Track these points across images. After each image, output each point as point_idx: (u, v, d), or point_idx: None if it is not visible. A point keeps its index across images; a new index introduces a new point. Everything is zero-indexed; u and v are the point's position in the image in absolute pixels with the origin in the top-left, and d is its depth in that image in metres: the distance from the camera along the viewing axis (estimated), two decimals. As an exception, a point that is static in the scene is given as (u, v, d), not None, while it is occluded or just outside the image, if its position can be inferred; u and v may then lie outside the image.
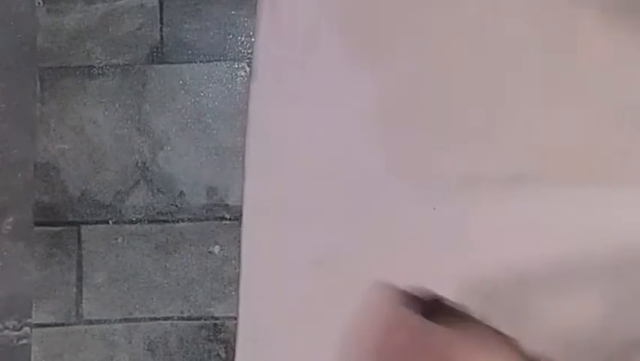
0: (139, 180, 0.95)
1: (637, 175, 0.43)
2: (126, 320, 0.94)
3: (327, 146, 0.48)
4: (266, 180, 0.49)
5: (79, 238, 0.95)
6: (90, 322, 0.94)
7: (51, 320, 0.94)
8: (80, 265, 0.95)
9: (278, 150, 0.48)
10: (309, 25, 0.48)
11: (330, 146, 0.47)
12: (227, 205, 0.94)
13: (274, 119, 0.47)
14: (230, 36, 0.96)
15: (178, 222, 0.94)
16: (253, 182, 0.47)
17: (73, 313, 0.94)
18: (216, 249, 0.94)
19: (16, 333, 0.94)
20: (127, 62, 0.96)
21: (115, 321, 0.94)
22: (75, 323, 0.94)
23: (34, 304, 0.94)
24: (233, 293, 0.91)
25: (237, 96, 0.95)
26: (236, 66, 0.95)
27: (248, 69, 0.94)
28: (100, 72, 0.96)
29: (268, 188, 0.48)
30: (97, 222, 0.95)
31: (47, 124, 0.96)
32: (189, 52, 0.96)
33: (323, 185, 0.47)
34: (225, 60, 0.96)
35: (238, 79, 0.95)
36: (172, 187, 0.95)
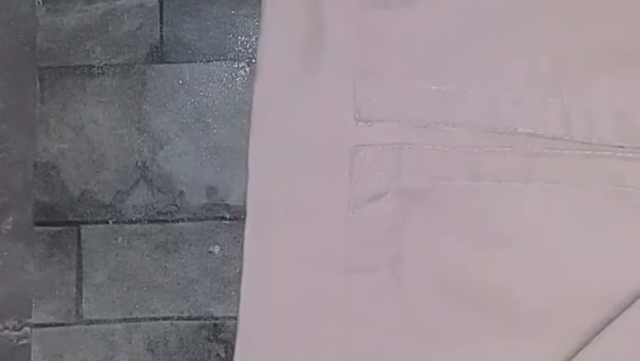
0: (139, 180, 0.95)
1: None
2: (126, 319, 0.94)
3: (329, 145, 0.48)
4: (269, 179, 0.49)
5: (79, 238, 0.95)
6: (90, 322, 0.94)
7: (51, 319, 0.94)
8: (79, 265, 0.94)
9: (281, 149, 0.48)
10: (314, 22, 0.48)
11: (333, 145, 0.47)
12: (227, 205, 0.93)
13: (277, 117, 0.47)
14: (230, 36, 0.96)
15: (178, 222, 0.94)
16: (256, 181, 0.47)
17: (73, 313, 0.94)
18: (216, 249, 0.93)
19: (16, 333, 0.93)
20: (127, 62, 0.96)
21: (115, 321, 0.94)
22: (75, 323, 0.94)
23: (34, 304, 0.94)
24: (233, 293, 0.91)
25: (237, 96, 0.95)
26: (236, 66, 0.95)
27: (248, 69, 0.94)
28: (100, 72, 0.96)
29: (271, 187, 0.48)
30: (97, 222, 0.95)
31: (47, 124, 0.96)
32: (189, 52, 0.96)
33: (326, 184, 0.47)
34: (225, 60, 0.96)
35: (238, 79, 0.95)
36: (172, 187, 0.95)
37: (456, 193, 0.47)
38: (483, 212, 0.47)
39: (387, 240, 0.49)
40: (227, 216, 0.93)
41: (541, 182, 0.49)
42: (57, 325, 0.94)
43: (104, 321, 0.94)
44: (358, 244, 0.51)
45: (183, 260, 0.95)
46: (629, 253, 0.52)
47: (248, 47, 0.94)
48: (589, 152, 0.48)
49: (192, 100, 0.96)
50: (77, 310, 0.94)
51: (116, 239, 0.95)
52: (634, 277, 0.52)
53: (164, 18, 0.96)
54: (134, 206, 0.95)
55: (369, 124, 0.46)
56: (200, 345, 0.93)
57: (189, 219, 0.95)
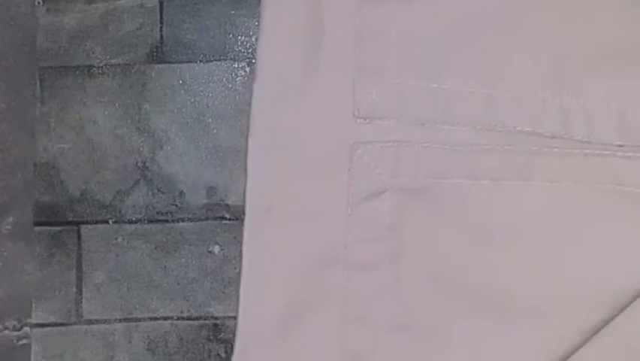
0: (139, 180, 0.95)
1: None
2: (126, 319, 0.94)
3: (328, 144, 0.47)
4: (268, 180, 0.48)
5: (79, 238, 0.95)
6: (90, 322, 0.94)
7: (51, 319, 0.94)
8: (79, 265, 0.95)
9: (280, 148, 0.47)
10: (313, 22, 0.48)
11: (332, 144, 0.47)
12: (227, 205, 0.93)
13: (276, 117, 0.47)
14: (230, 36, 0.96)
15: (178, 222, 0.94)
16: (255, 182, 0.47)
17: (73, 313, 0.94)
18: (216, 249, 0.93)
19: (16, 333, 0.94)
20: (127, 62, 0.96)
21: (115, 321, 0.94)
22: (75, 323, 0.94)
23: (34, 304, 0.94)
24: (233, 293, 0.91)
25: (237, 96, 0.95)
26: (236, 66, 0.95)
27: (248, 69, 0.94)
28: (100, 72, 0.96)
29: (270, 188, 0.48)
30: (97, 222, 0.95)
31: (47, 124, 0.96)
32: (189, 52, 0.96)
33: (325, 182, 0.47)
34: (225, 60, 0.96)
35: (238, 79, 0.95)
36: (172, 187, 0.95)
37: (455, 191, 0.47)
38: (482, 210, 0.47)
39: (385, 238, 0.49)
40: (227, 216, 0.93)
41: (540, 181, 0.49)
42: (57, 325, 0.94)
43: (104, 321, 0.94)
44: (357, 242, 0.51)
45: (183, 260, 0.95)
46: (629, 252, 0.52)
47: (248, 46, 0.94)
48: (588, 151, 0.48)
49: (192, 100, 0.96)
50: (77, 310, 0.94)
51: (116, 239, 0.95)
52: (633, 277, 0.52)
53: (164, 18, 0.96)
54: (134, 206, 0.95)
55: (367, 121, 0.46)
56: (200, 345, 0.93)
57: (189, 219, 0.95)
